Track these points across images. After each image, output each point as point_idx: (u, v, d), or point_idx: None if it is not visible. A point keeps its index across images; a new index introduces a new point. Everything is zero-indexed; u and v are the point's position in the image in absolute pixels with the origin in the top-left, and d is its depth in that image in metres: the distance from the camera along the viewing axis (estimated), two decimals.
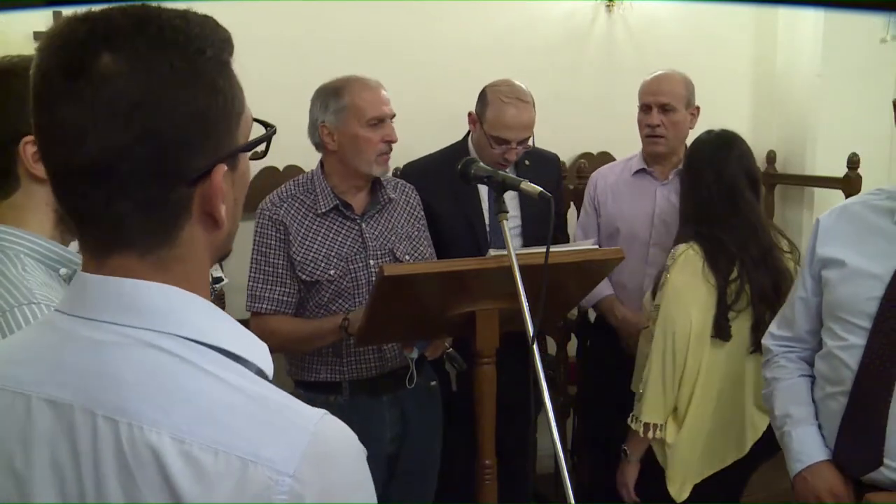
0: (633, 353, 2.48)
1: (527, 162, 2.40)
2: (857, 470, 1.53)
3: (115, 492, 0.66)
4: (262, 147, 0.79)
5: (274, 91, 2.75)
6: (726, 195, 1.97)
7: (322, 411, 0.71)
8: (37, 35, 2.62)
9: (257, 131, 0.78)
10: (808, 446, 1.61)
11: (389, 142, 2.01)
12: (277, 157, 2.83)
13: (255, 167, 2.83)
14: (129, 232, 0.69)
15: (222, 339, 0.71)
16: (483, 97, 2.32)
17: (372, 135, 1.98)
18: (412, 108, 2.69)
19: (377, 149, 1.99)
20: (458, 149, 2.40)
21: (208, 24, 0.71)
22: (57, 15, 2.66)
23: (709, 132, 2.08)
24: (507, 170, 2.34)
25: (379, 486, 2.22)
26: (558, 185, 2.58)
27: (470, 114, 2.38)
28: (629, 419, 2.02)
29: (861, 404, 1.52)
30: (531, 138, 2.30)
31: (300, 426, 0.68)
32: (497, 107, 2.26)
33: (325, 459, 0.68)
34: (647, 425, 1.96)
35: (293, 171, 2.74)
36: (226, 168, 0.70)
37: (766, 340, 1.80)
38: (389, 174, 2.12)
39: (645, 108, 2.47)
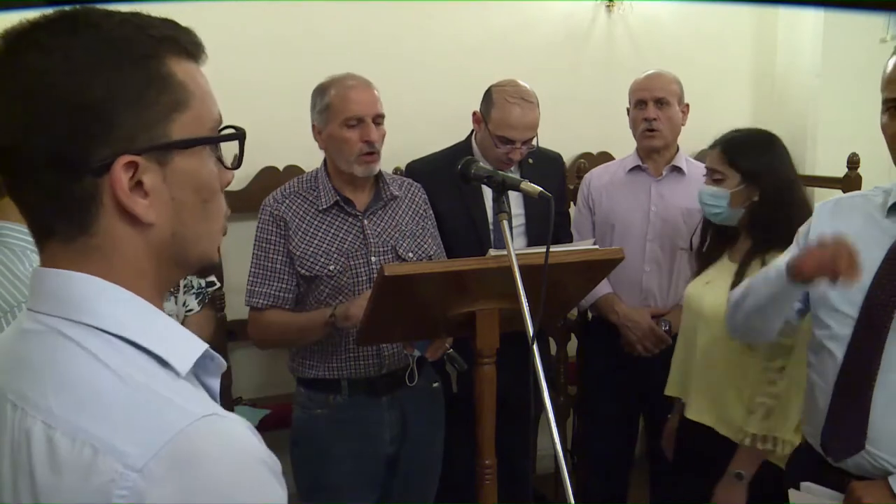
0: (633, 351, 2.48)
1: (530, 160, 2.41)
2: (838, 453, 1.54)
3: (6, 476, 0.67)
4: (222, 147, 0.77)
5: (273, 91, 2.77)
6: (801, 196, 1.97)
7: (210, 411, 0.67)
8: None
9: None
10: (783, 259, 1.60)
11: (369, 142, 1.97)
12: (277, 156, 2.83)
13: (255, 167, 2.84)
14: (46, 219, 0.71)
15: (135, 333, 0.70)
16: (488, 97, 2.32)
17: (350, 135, 1.96)
18: (412, 109, 2.70)
19: (356, 149, 1.96)
20: (462, 148, 2.41)
21: (146, 22, 0.72)
22: None
23: (737, 131, 2.01)
24: (512, 168, 2.36)
25: (378, 486, 2.22)
26: (562, 184, 2.59)
27: (475, 113, 2.38)
28: (745, 439, 1.87)
29: (846, 391, 1.53)
30: (535, 138, 2.30)
31: (170, 422, 0.64)
32: (502, 107, 2.26)
33: (186, 462, 0.63)
34: (783, 442, 1.84)
35: (293, 171, 2.74)
36: (135, 160, 0.69)
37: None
38: (376, 172, 2.06)
39: (640, 104, 2.48)
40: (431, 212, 2.20)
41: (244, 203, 2.58)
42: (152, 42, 0.71)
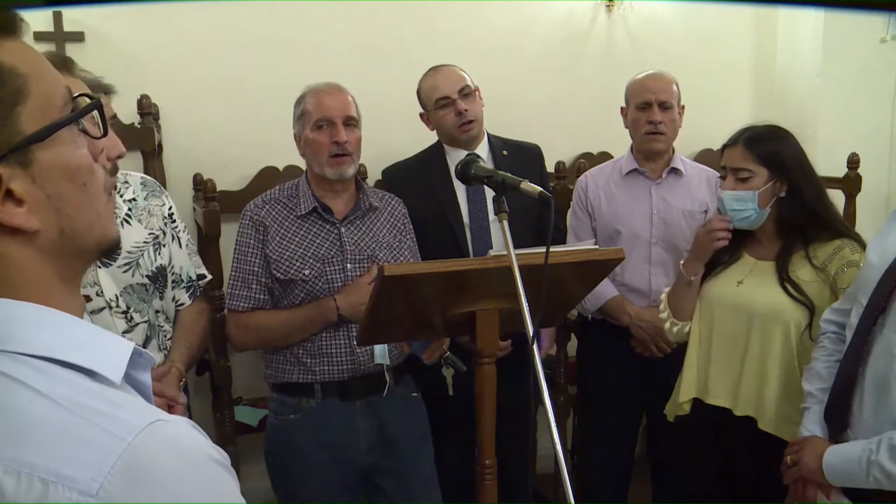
0: (645, 351, 2.47)
1: (504, 152, 2.45)
2: (831, 432, 1.65)
3: None
4: (82, 118, 0.71)
5: (272, 92, 2.76)
6: (824, 188, 1.95)
7: (154, 418, 0.64)
8: (37, 35, 2.62)
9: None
10: (812, 421, 1.70)
11: (338, 143, 2.00)
12: (277, 156, 2.83)
13: (255, 167, 2.84)
14: None
15: (57, 350, 0.66)
16: (418, 90, 2.47)
17: (319, 136, 2.02)
18: (411, 109, 2.69)
19: (327, 150, 2.01)
20: (434, 152, 2.46)
21: None
22: (57, 15, 2.66)
23: (752, 126, 1.92)
24: (484, 162, 2.38)
25: (359, 496, 2.15)
26: (542, 177, 2.56)
27: (420, 115, 2.47)
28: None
29: (840, 376, 1.62)
30: (472, 89, 2.39)
31: (115, 438, 0.61)
32: (426, 79, 2.44)
33: (139, 477, 0.61)
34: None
35: (293, 171, 2.74)
36: None
37: (823, 316, 1.82)
38: (349, 175, 2.06)
39: (644, 106, 2.46)
40: (411, 226, 2.22)
41: (244, 203, 2.57)
42: None
